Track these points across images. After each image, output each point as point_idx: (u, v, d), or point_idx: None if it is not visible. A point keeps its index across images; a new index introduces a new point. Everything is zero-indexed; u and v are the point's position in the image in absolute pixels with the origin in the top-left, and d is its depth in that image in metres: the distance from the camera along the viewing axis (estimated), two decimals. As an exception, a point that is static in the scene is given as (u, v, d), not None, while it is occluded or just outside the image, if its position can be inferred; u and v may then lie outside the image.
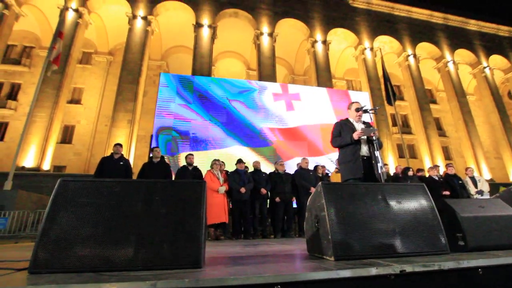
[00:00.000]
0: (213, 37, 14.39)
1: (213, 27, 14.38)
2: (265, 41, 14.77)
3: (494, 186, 11.99)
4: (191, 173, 5.48)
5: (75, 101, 15.66)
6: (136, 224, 1.49)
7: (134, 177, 5.47)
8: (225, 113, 8.81)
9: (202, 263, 1.51)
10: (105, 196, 1.51)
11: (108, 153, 10.32)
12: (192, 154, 5.77)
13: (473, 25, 19.88)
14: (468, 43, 19.31)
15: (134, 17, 13.74)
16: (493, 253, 1.85)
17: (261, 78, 13.75)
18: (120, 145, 5.36)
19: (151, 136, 7.98)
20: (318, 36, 15.79)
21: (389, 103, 11.43)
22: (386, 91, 11.39)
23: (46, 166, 11.22)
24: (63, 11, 12.70)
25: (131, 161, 11.18)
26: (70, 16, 13.04)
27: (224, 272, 1.43)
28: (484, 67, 18.83)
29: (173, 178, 5.55)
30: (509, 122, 17.76)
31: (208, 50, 13.95)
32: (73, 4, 13.24)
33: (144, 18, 13.83)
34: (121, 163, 5.12)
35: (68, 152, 14.57)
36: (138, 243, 1.46)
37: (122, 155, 5.32)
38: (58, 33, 10.25)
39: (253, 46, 15.57)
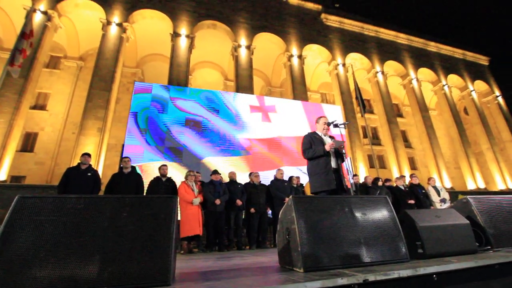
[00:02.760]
0: (191, 47, 14.36)
1: (191, 37, 14.37)
2: (243, 53, 15.03)
3: (453, 194, 12.97)
4: (164, 184, 5.34)
5: (39, 106, 14.65)
6: (101, 242, 1.43)
7: (103, 188, 5.19)
8: (201, 124, 8.75)
9: (170, 280, 1.48)
10: (68, 213, 1.44)
11: (74, 163, 9.71)
12: (165, 165, 5.63)
13: (433, 46, 21.83)
14: (429, 63, 21.10)
15: (109, 23, 13.34)
16: (447, 259, 2.01)
17: (238, 89, 13.88)
18: (88, 154, 5.10)
19: (122, 145, 7.68)
20: (294, 50, 16.38)
21: (362, 114, 12.03)
22: (359, 104, 11.99)
23: (2, 176, 10.27)
24: (30, 12, 12.02)
25: (100, 171, 10.61)
26: (38, 18, 12.36)
27: (193, 288, 1.41)
28: (443, 85, 20.61)
29: (145, 189, 5.35)
30: (466, 136, 19.43)
31: (186, 59, 13.87)
32: (42, 6, 12.59)
33: (119, 24, 13.48)
34: (89, 174, 4.85)
35: (29, 161, 13.48)
36: (103, 262, 1.40)
37: (90, 165, 5.05)
38: (23, 34, 9.66)
39: (231, 58, 15.75)
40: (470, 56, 23.38)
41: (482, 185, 17.66)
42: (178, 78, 13.15)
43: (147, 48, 16.84)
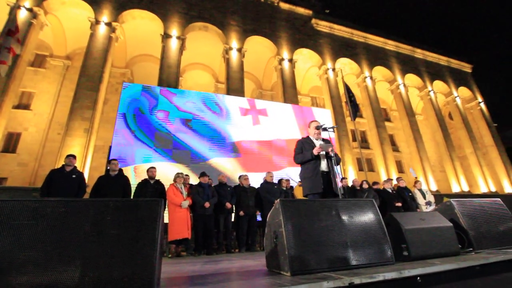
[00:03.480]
0: (182, 48, 14.26)
1: (182, 39, 14.28)
2: (234, 55, 15.04)
3: (439, 196, 13.31)
4: (152, 186, 5.25)
5: (23, 106, 14.17)
6: (83, 246, 1.39)
7: (89, 190, 5.05)
8: (191, 126, 8.68)
9: (154, 286, 1.44)
10: (48, 217, 1.39)
11: (59, 164, 9.42)
12: (154, 167, 5.54)
13: (419, 53, 22.49)
14: (416, 69, 21.73)
15: (97, 22, 13.10)
16: (431, 261, 2.05)
17: (229, 91, 13.86)
18: (73, 156, 4.94)
19: (110, 147, 7.52)
20: (285, 54, 16.53)
21: (353, 118, 12.20)
22: (351, 107, 12.15)
23: (-18, 178, 9.85)
24: (14, 9, 11.67)
25: (86, 174, 10.34)
26: (23, 15, 12.00)
27: (178, 294, 1.39)
28: (429, 91, 21.23)
29: (133, 192, 5.24)
30: (451, 140, 20.04)
31: (176, 60, 13.76)
32: (27, 3, 12.24)
33: (108, 24, 13.25)
34: (74, 176, 4.71)
35: (11, 162, 12.99)
36: (84, 267, 1.36)
37: (75, 167, 4.90)
38: (8, 31, 9.35)
39: (222, 60, 15.74)
40: (455, 63, 24.22)
41: (466, 188, 18.21)
42: (169, 80, 13.02)
43: (137, 49, 16.61)
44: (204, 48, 16.70)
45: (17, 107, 13.80)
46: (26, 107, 14.18)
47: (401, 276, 1.66)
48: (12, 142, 13.39)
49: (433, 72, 22.45)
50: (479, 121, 23.09)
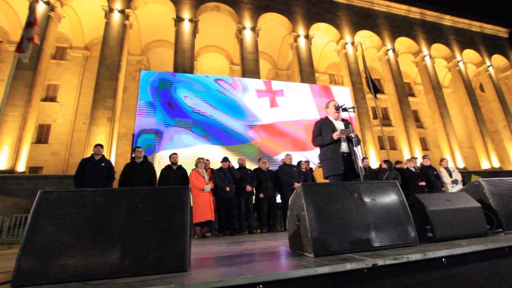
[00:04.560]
0: (195, 31, 14.10)
1: (194, 21, 14.08)
2: (248, 35, 14.67)
3: (467, 174, 12.77)
4: (175, 172, 5.47)
5: (50, 98, 14.93)
6: (121, 232, 1.51)
7: (117, 177, 5.36)
8: (208, 111, 8.76)
9: (187, 267, 1.56)
10: (88, 206, 1.51)
11: (87, 153, 10.01)
12: (176, 154, 5.74)
13: (448, 20, 20.68)
14: (444, 38, 20.10)
15: (111, 10, 13.18)
16: (457, 242, 2.02)
17: (244, 73, 13.70)
18: (101, 145, 5.23)
19: (133, 134, 7.82)
20: (301, 30, 15.87)
21: (375, 96, 11.70)
22: (368, 85, 11.67)
23: (21, 167, 10.72)
24: (33, 3, 11.97)
25: (113, 160, 10.92)
26: (41, 8, 12.31)
27: (209, 274, 1.49)
28: (458, 61, 19.71)
29: (157, 178, 5.50)
30: (481, 114, 18.79)
31: (190, 44, 13.68)
32: (44, -4, 12.50)
33: (122, 11, 13.30)
34: (103, 164, 5.01)
35: (45, 152, 13.96)
36: (123, 251, 1.49)
37: (103, 155, 5.20)
38: (29, 24, 9.65)
39: (236, 41, 15.43)
40: (489, 28, 22.08)
41: (496, 165, 17.27)
42: (184, 64, 13.05)
43: (151, 35, 16.65)
44: (217, 30, 16.40)
45: (45, 99, 14.56)
46: (53, 99, 14.92)
47: (426, 257, 1.66)
48: (44, 133, 14.30)
49: (463, 41, 20.67)
50: (515, 92, 21.32)
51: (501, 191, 2.44)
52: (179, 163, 5.70)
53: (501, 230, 2.29)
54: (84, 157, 6.27)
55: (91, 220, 1.51)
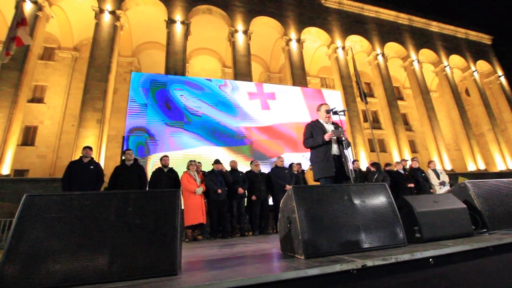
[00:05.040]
0: (187, 33, 14.05)
1: (186, 24, 14.04)
2: (240, 38, 14.72)
3: (454, 176, 13.10)
4: (166, 175, 5.41)
5: (37, 99, 14.56)
6: (110, 236, 1.49)
7: (106, 180, 5.26)
8: (200, 114, 8.73)
9: (177, 270, 1.54)
10: (75, 210, 1.48)
11: (76, 155, 9.79)
12: (167, 156, 5.68)
13: (434, 26, 21.30)
14: (431, 43, 20.67)
15: (101, 11, 13.00)
16: (443, 243, 2.08)
17: (236, 76, 13.72)
18: (90, 148, 5.13)
19: (123, 137, 7.71)
20: (292, 34, 16.03)
21: (364, 101, 11.88)
22: (359, 90, 11.86)
23: (5, 170, 10.37)
24: (19, 2, 11.70)
25: (102, 163, 10.70)
26: (28, 7, 12.04)
27: (199, 278, 1.48)
28: (445, 66, 20.28)
29: (148, 181, 5.42)
30: (467, 117, 19.34)
31: (182, 47, 13.62)
32: (31, -5, 12.24)
33: (112, 12, 13.13)
34: (92, 167, 4.90)
35: (31, 154, 13.57)
36: (112, 255, 1.46)
37: (92, 158, 5.10)
38: (15, 24, 9.43)
39: (228, 44, 15.45)
40: (473, 35, 22.86)
41: (482, 166, 17.78)
42: (175, 67, 12.97)
43: (142, 36, 16.50)
44: (209, 32, 16.39)
45: (31, 100, 14.20)
46: (40, 100, 14.56)
47: (414, 258, 1.70)
48: (30, 135, 13.91)
49: (450, 46, 21.32)
50: (499, 97, 22.05)
51: (486, 192, 2.52)
52: (171, 165, 5.64)
53: (485, 230, 2.36)
54: (73, 159, 6.13)
55: (79, 224, 1.48)
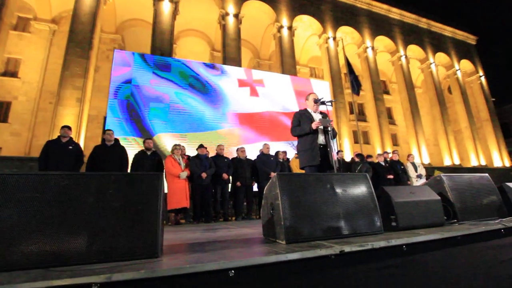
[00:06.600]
0: (175, 12, 13.46)
1: (174, 2, 13.41)
2: (231, 21, 14.30)
3: (431, 169, 13.73)
4: (149, 158, 5.30)
5: (10, 73, 13.63)
6: (88, 218, 1.45)
7: (86, 160, 5.06)
8: (187, 97, 8.52)
9: (159, 253, 1.54)
10: (52, 191, 1.42)
11: (54, 135, 9.36)
12: (150, 139, 5.55)
13: (424, 23, 21.60)
14: (419, 39, 21.02)
15: (83, -19, 12.13)
16: (417, 231, 2.19)
17: (225, 60, 13.40)
18: (69, 127, 4.89)
19: (104, 117, 7.43)
20: (284, 21, 15.75)
21: (355, 93, 11.92)
22: (350, 81, 11.91)
23: (-23, 148, 9.80)
24: (-9, -36, 10.68)
25: (82, 144, 10.32)
26: (0, -29, 11.02)
27: (181, 260, 1.48)
28: (431, 63, 20.79)
29: (130, 163, 5.29)
30: (447, 114, 20.12)
31: (169, 26, 13.06)
32: (4, -42, 11.18)
33: (95, -16, 12.29)
34: (70, 147, 4.70)
35: (4, 132, 12.84)
36: (91, 237, 1.43)
37: (71, 138, 4.88)
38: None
39: (218, 26, 14.98)
40: (460, 34, 23.42)
41: (457, 161, 18.73)
42: (162, 47, 12.47)
43: (127, 13, 15.63)
44: (198, 13, 15.78)
45: (4, 74, 13.29)
46: (13, 74, 13.65)
47: (389, 244, 1.78)
48: (2, 111, 13.11)
49: (436, 44, 21.79)
50: (478, 96, 23.02)
51: (459, 186, 2.66)
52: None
53: (455, 220, 2.51)
54: (50, 139, 5.86)
55: (56, 205, 1.43)
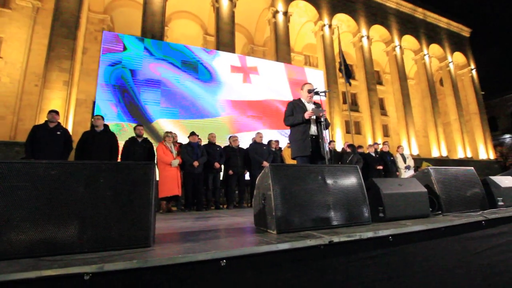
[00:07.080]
0: (167, -7, 12.92)
1: (167, -19, 12.85)
2: (225, 4, 13.85)
3: (419, 160, 14.08)
4: (140, 145, 5.23)
5: (-9, 52, 12.98)
6: (79, 207, 1.43)
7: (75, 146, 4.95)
8: (178, 83, 8.35)
9: (151, 242, 1.55)
10: (41, 179, 1.39)
11: (41, 119, 9.08)
12: (141, 125, 5.46)
13: (420, 13, 21.47)
14: (414, 30, 20.95)
15: (68, -44, 11.42)
16: (403, 222, 2.27)
17: (219, 45, 13.08)
18: (56, 112, 4.74)
19: (93, 102, 7.23)
20: (280, 6, 15.38)
21: (347, 81, 11.90)
22: (340, 68, 11.85)
23: (-42, 130, 9.44)
24: None
25: (70, 129, 10.09)
26: None
27: (173, 250, 1.50)
28: (424, 55, 20.86)
29: (120, 150, 5.20)
30: (438, 106, 20.44)
31: (161, 7, 12.57)
32: None
33: (82, -42, 11.60)
34: (58, 133, 4.58)
35: (-13, 114, 12.37)
36: (82, 226, 1.42)
37: (59, 123, 4.75)
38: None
39: (212, 9, 14.51)
40: (454, 26, 23.44)
41: (445, 153, 19.24)
42: (153, 29, 12.04)
43: (117, -9, 14.93)
44: (191, -6, 15.21)
45: (-15, 53, 12.64)
46: (-5, 53, 12.99)
47: (376, 235, 1.84)
48: (-15, 92, 12.57)
49: (431, 35, 21.79)
50: (468, 89, 23.38)
51: (445, 178, 2.75)
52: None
53: (440, 212, 2.61)
54: (37, 123, 5.69)
55: (45, 194, 1.40)
